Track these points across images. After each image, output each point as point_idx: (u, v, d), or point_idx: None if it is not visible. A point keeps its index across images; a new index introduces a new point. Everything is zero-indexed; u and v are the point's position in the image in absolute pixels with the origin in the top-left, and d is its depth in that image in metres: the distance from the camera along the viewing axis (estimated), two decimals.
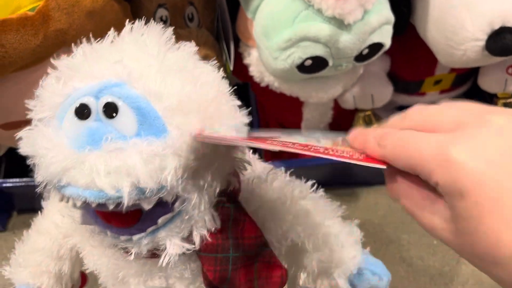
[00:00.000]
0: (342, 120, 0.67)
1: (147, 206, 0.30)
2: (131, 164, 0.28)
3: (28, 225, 0.70)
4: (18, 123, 0.50)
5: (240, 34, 0.58)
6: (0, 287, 0.63)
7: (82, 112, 0.30)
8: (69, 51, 0.37)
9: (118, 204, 0.29)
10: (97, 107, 0.30)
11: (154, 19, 0.42)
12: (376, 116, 0.65)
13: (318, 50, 0.49)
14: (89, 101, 0.30)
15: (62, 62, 0.33)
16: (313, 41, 0.48)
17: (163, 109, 0.29)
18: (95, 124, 0.30)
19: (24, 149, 0.32)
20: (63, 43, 0.45)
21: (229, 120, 0.33)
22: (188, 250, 0.34)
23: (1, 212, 0.69)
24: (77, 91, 0.31)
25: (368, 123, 0.65)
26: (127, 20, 0.34)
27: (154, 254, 0.35)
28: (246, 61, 0.58)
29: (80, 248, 0.42)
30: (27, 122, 0.50)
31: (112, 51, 0.32)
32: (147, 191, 0.29)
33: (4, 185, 0.66)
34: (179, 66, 0.32)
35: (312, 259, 0.41)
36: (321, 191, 0.43)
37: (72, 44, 0.34)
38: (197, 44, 0.35)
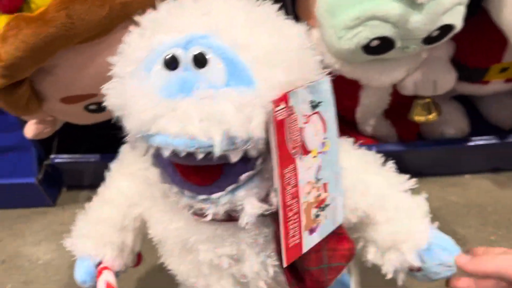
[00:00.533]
0: (399, 106, 0.64)
1: (234, 158, 0.30)
2: (223, 111, 0.28)
3: (76, 201, 0.71)
4: (79, 97, 0.50)
5: (300, 13, 0.56)
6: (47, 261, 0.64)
7: (171, 63, 0.30)
8: (131, 24, 0.37)
9: (206, 155, 0.29)
10: (186, 58, 0.30)
11: None
12: (435, 104, 0.62)
13: (386, 30, 0.47)
14: (178, 52, 0.30)
15: (146, 17, 0.33)
16: (382, 21, 0.46)
17: (250, 60, 0.30)
18: (186, 74, 0.30)
19: (111, 100, 0.32)
20: (126, 15, 0.44)
21: (310, 75, 0.32)
22: (266, 211, 0.33)
23: (51, 188, 0.70)
24: (163, 44, 0.31)
25: (427, 111, 0.62)
26: None
27: (229, 217, 0.35)
28: None
29: (147, 216, 0.41)
30: (88, 96, 0.50)
31: (197, 5, 0.32)
32: (237, 141, 0.29)
33: (56, 160, 0.67)
34: (264, 19, 0.32)
35: (382, 231, 0.40)
36: (391, 163, 0.42)
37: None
38: None
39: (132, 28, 0.33)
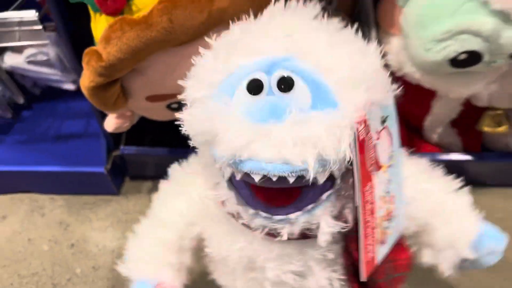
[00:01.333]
0: (467, 116, 0.64)
1: (321, 179, 0.31)
2: (316, 135, 0.29)
3: (139, 191, 0.73)
4: (164, 96, 0.52)
5: (381, 20, 0.56)
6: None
7: (255, 87, 0.30)
8: (225, 29, 0.37)
9: (299, 177, 0.30)
10: (269, 82, 0.30)
11: None
12: (506, 117, 0.61)
13: (476, 45, 0.46)
14: (261, 76, 0.30)
15: (220, 40, 0.34)
16: (474, 35, 0.46)
17: (334, 82, 0.30)
18: (273, 98, 0.30)
19: (192, 127, 0.33)
20: (221, 21, 0.45)
21: (385, 93, 0.33)
22: (342, 228, 0.34)
23: (116, 177, 0.72)
24: (244, 67, 0.31)
25: (497, 122, 0.61)
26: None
27: (303, 235, 0.35)
28: (384, 48, 0.56)
29: (205, 235, 0.41)
30: (173, 96, 0.52)
31: (275, 27, 0.32)
32: (328, 163, 0.29)
33: (125, 151, 0.69)
34: (345, 40, 0.33)
35: (439, 235, 0.42)
36: (439, 168, 0.44)
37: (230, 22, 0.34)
38: None
39: (203, 50, 0.34)
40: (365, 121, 0.31)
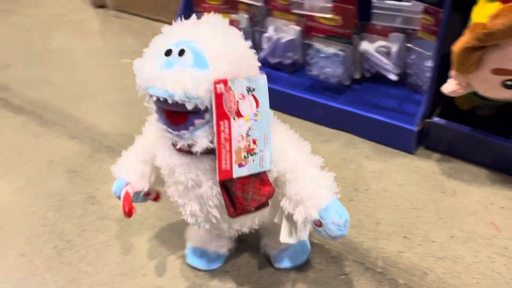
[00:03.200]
0: None
1: (189, 106, 0.50)
2: (184, 79, 0.49)
3: (429, 157, 0.94)
4: (507, 71, 0.71)
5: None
6: None
7: (167, 52, 0.52)
8: None
9: (174, 102, 0.50)
10: (175, 50, 0.51)
11: None
12: None
13: None
14: (173, 47, 0.52)
15: (165, 28, 0.55)
16: None
17: (209, 55, 0.51)
18: (172, 58, 0.51)
19: (135, 66, 0.54)
20: None
21: (249, 71, 0.53)
22: (210, 147, 0.54)
23: (417, 140, 0.95)
24: (167, 43, 0.52)
25: None
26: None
27: (190, 151, 0.55)
28: None
29: (156, 151, 0.62)
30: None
31: (187, 25, 0.55)
32: (190, 96, 0.49)
33: (437, 122, 0.91)
34: (223, 32, 0.53)
35: (291, 188, 0.57)
36: (308, 146, 0.60)
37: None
38: None
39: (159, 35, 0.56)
40: (225, 82, 0.51)
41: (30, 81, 1.33)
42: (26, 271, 0.77)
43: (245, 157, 0.54)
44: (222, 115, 0.51)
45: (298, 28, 1.16)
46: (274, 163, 0.57)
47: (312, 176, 0.57)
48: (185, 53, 0.51)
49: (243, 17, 1.25)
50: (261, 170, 0.55)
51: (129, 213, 0.62)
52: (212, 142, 0.53)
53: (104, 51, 1.48)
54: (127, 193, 0.63)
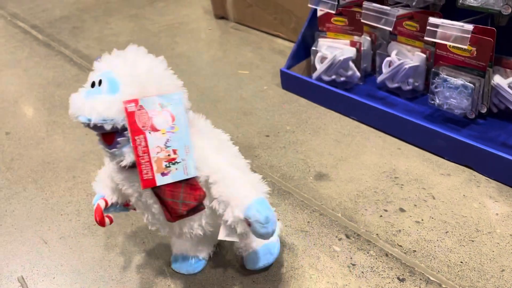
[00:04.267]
0: None
1: (107, 127, 0.57)
2: (96, 105, 0.56)
3: None
4: None
5: None
6: None
7: (93, 84, 0.59)
8: None
9: (94, 125, 0.57)
10: (96, 81, 0.58)
11: None
12: None
13: None
14: (95, 78, 0.58)
15: (95, 65, 0.61)
16: None
17: (120, 81, 0.57)
18: (92, 89, 0.58)
19: (70, 99, 0.59)
20: None
21: (162, 89, 0.59)
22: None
23: None
24: (93, 77, 0.59)
25: None
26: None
27: (125, 166, 0.61)
28: None
29: (110, 169, 0.67)
30: None
31: (109, 58, 0.61)
32: (105, 119, 0.56)
33: None
34: (136, 62, 0.59)
35: (214, 189, 0.60)
36: (235, 148, 0.67)
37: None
38: None
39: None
40: (135, 102, 0.57)
41: None
42: (146, 258, 0.83)
43: (166, 166, 0.59)
44: (137, 131, 0.58)
45: (423, 55, 1.13)
46: (198, 169, 0.61)
47: (234, 177, 0.60)
48: (102, 82, 0.58)
49: (365, 39, 1.25)
50: (186, 177, 0.60)
51: (100, 223, 0.70)
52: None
53: (223, 61, 1.55)
54: (97, 206, 0.70)
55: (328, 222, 0.87)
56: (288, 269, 0.78)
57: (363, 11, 1.14)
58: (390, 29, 1.10)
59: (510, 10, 0.93)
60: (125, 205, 0.73)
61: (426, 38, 1.01)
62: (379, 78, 1.22)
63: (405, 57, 1.17)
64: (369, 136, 1.12)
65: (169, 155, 0.59)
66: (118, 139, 0.58)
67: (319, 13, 1.27)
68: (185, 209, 0.60)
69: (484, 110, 1.07)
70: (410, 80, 1.18)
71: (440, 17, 1.03)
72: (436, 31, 0.99)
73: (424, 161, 1.01)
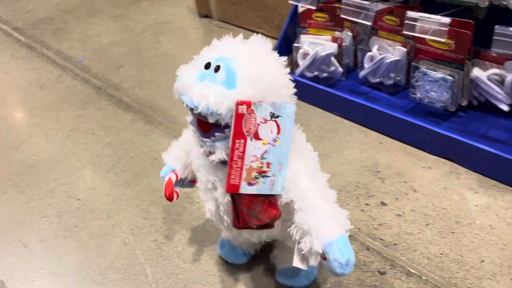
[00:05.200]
0: None
1: (211, 119, 0.54)
2: (208, 94, 0.52)
3: None
4: None
5: None
6: None
7: (207, 65, 0.55)
8: None
9: (198, 113, 0.54)
10: (213, 65, 0.54)
11: None
12: None
13: None
14: (212, 61, 0.55)
15: (214, 42, 0.58)
16: None
17: (240, 77, 0.53)
18: (207, 72, 0.54)
19: (179, 71, 0.57)
20: None
21: (276, 98, 0.54)
22: (226, 160, 0.56)
23: None
24: (207, 57, 0.56)
25: None
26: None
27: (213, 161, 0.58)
28: None
29: (191, 147, 0.66)
30: None
31: (229, 42, 0.57)
32: (211, 110, 0.52)
33: None
34: (258, 54, 0.55)
35: (299, 217, 0.57)
36: (326, 176, 0.61)
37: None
38: None
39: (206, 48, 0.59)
40: (248, 104, 0.53)
41: (139, 82, 1.43)
42: (128, 259, 0.82)
43: (256, 177, 0.56)
44: (240, 134, 0.54)
45: (404, 49, 1.13)
46: (286, 190, 0.58)
47: (322, 209, 0.56)
48: (220, 69, 0.53)
49: (347, 35, 1.25)
50: (270, 193, 0.57)
51: (169, 198, 0.68)
52: (228, 155, 0.56)
53: None
54: (169, 180, 0.69)
55: None
56: None
57: (342, 7, 1.14)
58: (370, 23, 1.10)
59: (487, 3, 0.93)
60: (191, 181, 0.72)
61: (404, 32, 1.01)
62: (361, 74, 1.22)
63: (386, 51, 1.17)
64: (352, 131, 1.12)
65: (262, 166, 0.56)
66: (215, 133, 0.55)
67: (300, 9, 1.27)
68: (257, 223, 0.57)
69: (464, 103, 1.07)
70: (392, 75, 1.18)
71: (420, 11, 1.03)
72: (414, 25, 0.99)
73: (405, 154, 1.01)
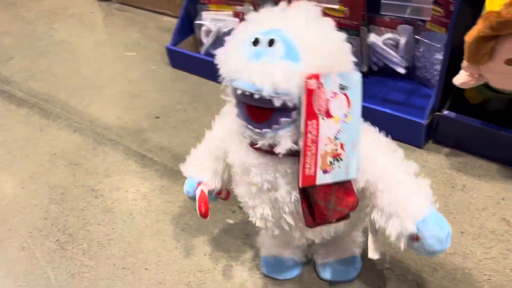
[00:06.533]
0: None
1: (277, 103, 0.45)
2: (273, 72, 0.44)
3: (438, 152, 0.91)
4: None
5: None
6: None
7: (255, 41, 0.46)
8: None
9: (261, 97, 0.44)
10: (264, 40, 0.46)
11: None
12: None
13: None
14: (261, 36, 0.46)
15: (250, 15, 0.50)
16: None
17: (301, 48, 0.45)
18: (260, 49, 0.46)
19: (219, 57, 0.49)
20: None
21: (342, 66, 0.46)
22: (294, 149, 0.48)
23: (426, 134, 0.92)
24: (256, 31, 0.47)
25: None
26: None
27: (271, 149, 0.49)
28: None
29: (228, 148, 0.57)
30: None
31: (277, 12, 0.49)
32: (279, 92, 0.44)
33: (447, 115, 0.89)
34: (316, 23, 0.47)
35: (383, 198, 0.50)
36: (401, 151, 0.52)
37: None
38: None
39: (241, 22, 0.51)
40: (317, 77, 0.44)
41: (33, 73, 1.32)
42: (27, 264, 0.76)
43: (330, 162, 0.48)
44: (311, 115, 0.45)
45: None
46: (361, 171, 0.50)
47: (407, 184, 0.50)
48: (275, 43, 0.45)
49: (248, 9, 1.23)
50: (346, 178, 0.49)
51: (205, 214, 0.59)
52: (296, 143, 0.48)
53: (108, 44, 1.46)
54: (202, 193, 0.60)
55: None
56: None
57: None
58: None
59: None
60: (217, 193, 0.64)
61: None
62: (203, 50, 1.23)
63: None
64: None
65: (336, 149, 0.48)
66: (280, 119, 0.46)
67: None
68: (336, 216, 0.49)
69: (364, 69, 1.10)
70: None
71: None
72: None
73: None
